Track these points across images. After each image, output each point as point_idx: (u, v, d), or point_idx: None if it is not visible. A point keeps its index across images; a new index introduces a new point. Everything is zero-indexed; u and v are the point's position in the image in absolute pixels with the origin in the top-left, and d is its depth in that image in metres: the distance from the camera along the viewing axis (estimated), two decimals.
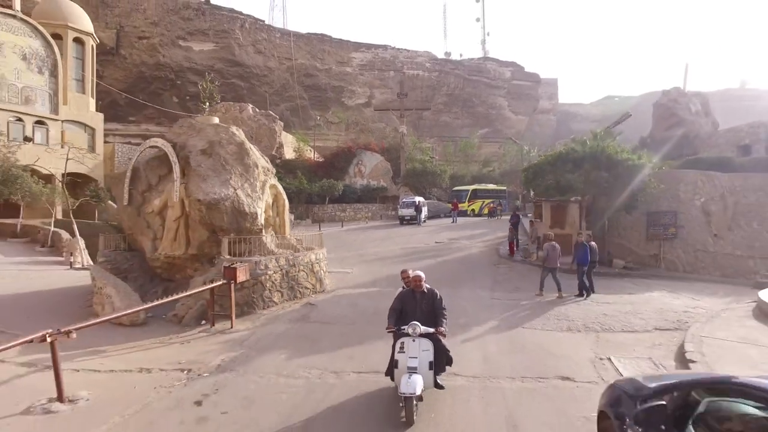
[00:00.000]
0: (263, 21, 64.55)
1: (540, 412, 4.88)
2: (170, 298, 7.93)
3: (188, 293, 8.28)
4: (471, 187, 30.31)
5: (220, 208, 9.38)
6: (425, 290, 5.33)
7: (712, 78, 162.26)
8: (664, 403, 2.86)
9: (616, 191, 13.33)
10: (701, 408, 2.82)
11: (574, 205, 15.25)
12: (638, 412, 2.95)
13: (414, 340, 4.92)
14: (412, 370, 4.71)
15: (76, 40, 26.12)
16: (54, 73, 24.45)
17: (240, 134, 10.60)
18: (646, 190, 13.32)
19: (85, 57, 26.60)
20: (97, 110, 28.11)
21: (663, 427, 2.78)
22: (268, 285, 9.31)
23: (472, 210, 29.38)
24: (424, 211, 25.24)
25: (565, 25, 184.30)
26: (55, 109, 24.51)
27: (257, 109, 35.03)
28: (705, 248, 15.01)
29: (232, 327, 8.09)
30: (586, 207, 14.66)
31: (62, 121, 24.84)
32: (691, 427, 2.75)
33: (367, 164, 30.53)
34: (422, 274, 5.40)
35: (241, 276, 8.40)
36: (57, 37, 25.05)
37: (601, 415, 3.57)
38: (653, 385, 3.18)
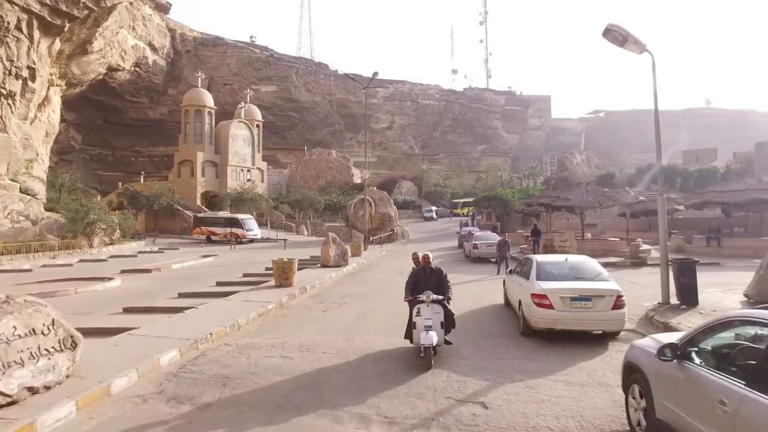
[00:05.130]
0: (313, 67, 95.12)
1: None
2: (378, 236, 37.92)
3: (383, 235, 38.31)
4: (461, 200, 60.27)
5: (386, 215, 39.51)
6: (433, 267, 7.49)
7: (680, 97, 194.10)
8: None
9: (503, 207, 43.36)
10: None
11: (493, 212, 45.36)
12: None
13: (428, 306, 6.84)
14: (428, 328, 6.60)
15: (257, 125, 56.29)
16: (252, 145, 54.52)
17: (386, 194, 40.82)
18: (514, 206, 43.28)
19: (260, 133, 56.76)
20: None
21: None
22: (397, 234, 39.51)
23: (462, 213, 59.43)
24: (436, 213, 55.57)
25: (560, 44, 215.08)
26: (252, 163, 54.55)
27: (338, 153, 64.88)
28: (543, 229, 44.97)
29: (393, 243, 38.12)
30: (497, 213, 44.82)
31: (255, 169, 54.93)
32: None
33: (404, 187, 60.51)
34: (430, 255, 7.64)
35: (394, 231, 38.57)
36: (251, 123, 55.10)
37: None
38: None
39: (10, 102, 42.88)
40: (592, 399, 5.65)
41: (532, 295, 8.22)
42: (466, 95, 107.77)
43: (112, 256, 29.85)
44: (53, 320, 5.90)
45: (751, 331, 3.79)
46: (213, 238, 39.03)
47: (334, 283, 16.17)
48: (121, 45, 60.83)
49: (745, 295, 10.50)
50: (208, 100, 50.49)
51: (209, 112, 50.42)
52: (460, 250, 29.24)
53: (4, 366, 5.12)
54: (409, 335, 7.12)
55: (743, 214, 32.18)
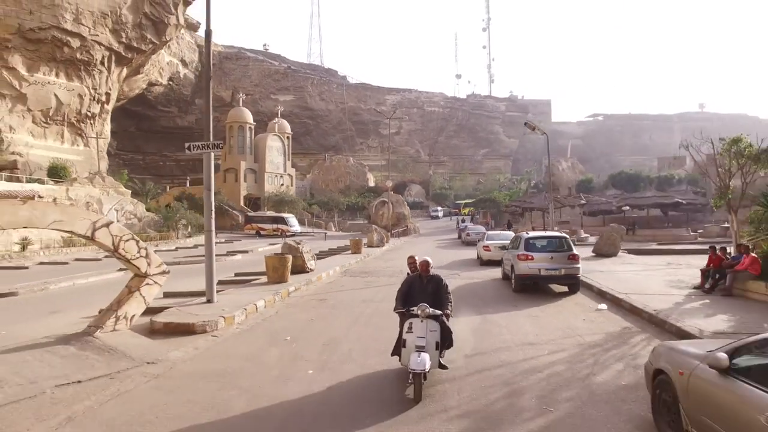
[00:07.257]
0: (326, 77, 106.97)
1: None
2: (395, 231, 49.97)
3: (399, 230, 50.37)
4: (464, 202, 72.24)
5: (400, 214, 51.59)
6: (431, 275, 6.60)
7: (675, 101, 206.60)
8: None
9: (496, 208, 55.37)
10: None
11: (489, 212, 57.37)
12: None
13: (422, 321, 5.92)
14: (420, 349, 5.65)
15: (287, 137, 68.36)
16: (284, 154, 66.55)
17: (401, 197, 53.00)
18: (505, 206, 55.19)
19: (289, 144, 68.82)
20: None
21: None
22: (410, 230, 51.57)
23: (464, 213, 71.40)
24: (441, 213, 67.73)
25: (561, 49, 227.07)
26: (284, 170, 66.56)
27: (354, 160, 77.03)
28: (526, 224, 56.93)
29: (407, 236, 50.11)
30: (491, 213, 56.84)
31: (286, 175, 66.93)
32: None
33: (413, 190, 72.53)
34: (430, 260, 6.75)
35: (408, 227, 50.63)
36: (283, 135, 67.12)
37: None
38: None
39: (92, 122, 55.67)
40: (493, 274, 17.64)
41: (483, 246, 20.48)
42: (469, 102, 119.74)
43: (196, 245, 41.80)
44: (309, 248, 17.95)
45: None
46: (262, 232, 50.87)
47: (381, 253, 28.28)
48: (160, 63, 73.40)
49: (593, 252, 22.36)
50: (249, 117, 62.53)
51: (249, 127, 62.47)
52: (459, 240, 41.26)
53: (309, 259, 17.20)
54: (397, 352, 6.24)
55: (681, 213, 44.19)
